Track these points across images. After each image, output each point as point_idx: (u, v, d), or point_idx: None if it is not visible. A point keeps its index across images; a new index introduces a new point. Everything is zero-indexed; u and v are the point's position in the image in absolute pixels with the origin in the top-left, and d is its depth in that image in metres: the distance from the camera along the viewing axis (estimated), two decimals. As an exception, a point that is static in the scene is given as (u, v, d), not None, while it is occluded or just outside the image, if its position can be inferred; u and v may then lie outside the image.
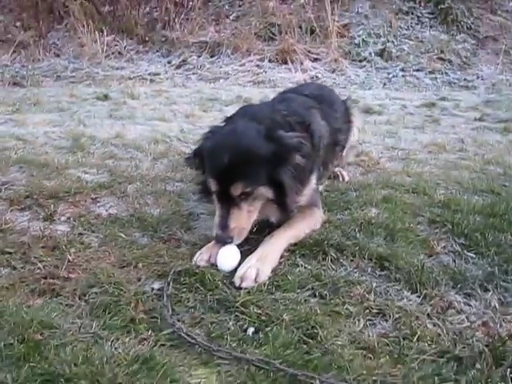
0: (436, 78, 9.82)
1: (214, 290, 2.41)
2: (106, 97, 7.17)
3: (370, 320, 2.22)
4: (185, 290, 2.43)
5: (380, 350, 2.01)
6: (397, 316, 2.23)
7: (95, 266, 2.62)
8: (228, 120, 3.11)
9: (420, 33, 11.38)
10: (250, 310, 2.23)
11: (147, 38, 11.49)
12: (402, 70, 10.05)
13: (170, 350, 2.01)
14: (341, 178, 4.07)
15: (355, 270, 2.63)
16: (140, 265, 2.64)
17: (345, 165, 4.23)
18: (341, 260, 2.72)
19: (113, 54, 10.79)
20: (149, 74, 9.49)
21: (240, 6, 12.41)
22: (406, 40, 11.16)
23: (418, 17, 11.81)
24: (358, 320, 2.21)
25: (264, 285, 2.46)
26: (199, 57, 10.55)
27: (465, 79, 9.84)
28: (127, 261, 2.68)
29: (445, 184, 3.91)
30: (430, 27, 11.61)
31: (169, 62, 10.50)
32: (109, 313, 2.22)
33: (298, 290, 2.43)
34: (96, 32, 10.81)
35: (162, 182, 3.87)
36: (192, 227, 3.16)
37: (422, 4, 11.90)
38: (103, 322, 2.15)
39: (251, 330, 2.14)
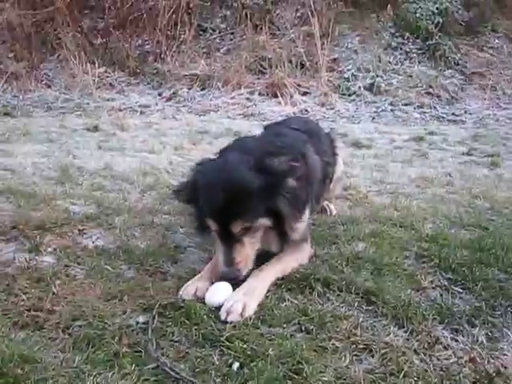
0: (424, 112, 9.93)
1: (200, 324, 2.39)
2: (95, 128, 7.18)
3: (356, 355, 2.21)
4: (170, 323, 2.41)
5: (366, 387, 1.99)
6: (383, 351, 2.22)
7: (80, 299, 2.59)
8: (221, 153, 3.10)
9: (409, 68, 11.52)
10: (236, 345, 2.21)
11: (138, 70, 11.57)
12: (391, 104, 10.16)
13: (154, 385, 1.99)
14: (328, 212, 4.06)
15: (342, 305, 2.62)
16: (125, 298, 2.61)
17: (332, 198, 4.23)
18: (327, 294, 2.71)
19: (104, 85, 10.83)
20: (139, 106, 9.52)
21: (231, 40, 12.55)
22: (395, 75, 11.29)
23: (407, 52, 11.98)
24: (345, 355, 2.19)
25: (250, 319, 2.44)
26: (190, 89, 10.61)
27: (453, 113, 9.96)
28: (113, 294, 2.66)
29: (432, 218, 3.92)
30: (419, 62, 11.76)
31: (159, 94, 10.55)
32: (92, 346, 2.20)
33: (284, 325, 2.42)
34: (88, 64, 10.87)
35: (150, 214, 3.86)
36: (179, 260, 3.15)
37: (411, 40, 12.07)
38: (86, 355, 2.12)
39: (236, 365, 2.11)
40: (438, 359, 2.21)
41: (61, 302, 2.57)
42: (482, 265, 3.03)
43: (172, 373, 2.03)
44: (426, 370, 2.11)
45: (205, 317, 2.43)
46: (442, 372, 2.11)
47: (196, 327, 2.36)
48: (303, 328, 2.40)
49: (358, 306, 2.61)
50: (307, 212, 3.09)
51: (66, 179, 4.64)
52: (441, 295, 2.77)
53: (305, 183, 2.93)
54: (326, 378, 2.01)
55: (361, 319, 2.46)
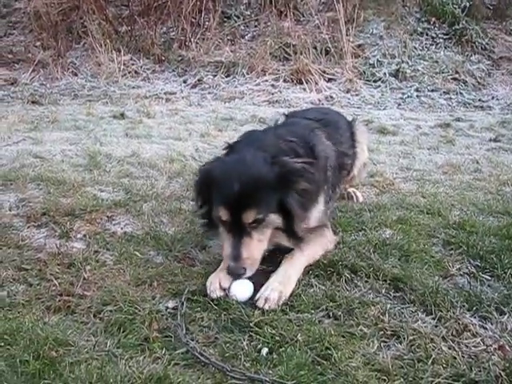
0: (451, 98, 9.79)
1: (228, 309, 2.42)
2: (122, 115, 7.23)
3: (384, 342, 2.22)
4: (199, 309, 2.45)
5: (394, 373, 2.00)
6: (411, 338, 2.23)
7: (110, 284, 2.64)
8: (230, 147, 3.11)
9: (434, 53, 11.36)
10: (264, 330, 2.24)
11: (163, 58, 11.59)
12: (417, 90, 10.04)
13: (184, 369, 2.03)
14: (355, 199, 4.06)
15: (369, 291, 2.63)
16: (155, 283, 2.66)
17: (358, 185, 4.23)
18: (355, 281, 2.72)
19: (129, 73, 10.88)
20: (164, 93, 9.54)
21: (256, 27, 12.50)
22: (421, 60, 11.15)
23: (433, 37, 11.81)
24: (373, 342, 2.21)
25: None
26: (215, 76, 10.61)
27: (479, 99, 9.82)
28: (142, 279, 2.70)
29: (459, 205, 3.89)
30: (445, 48, 11.59)
31: (184, 82, 10.57)
32: (123, 331, 2.24)
33: (312, 311, 2.44)
34: (113, 51, 10.94)
35: (177, 200, 3.90)
36: (207, 246, 3.18)
37: (437, 25, 11.90)
38: (117, 340, 2.17)
39: (265, 350, 2.14)
40: (467, 346, 2.21)
41: (91, 287, 2.63)
42: (510, 252, 3.00)
43: (201, 358, 2.07)
44: (455, 357, 2.11)
45: (233, 302, 2.46)
46: (470, 359, 2.12)
47: (225, 312, 2.40)
48: (331, 314, 2.42)
49: (385, 293, 2.62)
50: (321, 201, 3.08)
51: (94, 166, 4.70)
52: (468, 282, 2.76)
53: (316, 173, 2.90)
54: (354, 364, 2.03)
55: (388, 306, 2.47)
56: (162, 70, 11.34)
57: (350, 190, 4.14)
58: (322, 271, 2.78)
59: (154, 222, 3.49)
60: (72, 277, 2.73)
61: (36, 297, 2.51)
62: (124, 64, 10.97)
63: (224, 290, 2.57)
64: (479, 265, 2.92)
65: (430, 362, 2.06)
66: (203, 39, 11.96)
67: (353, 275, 2.75)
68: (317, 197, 3.00)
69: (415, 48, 11.51)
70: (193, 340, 2.20)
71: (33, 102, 8.66)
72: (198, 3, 12.30)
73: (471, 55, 11.42)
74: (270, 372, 1.99)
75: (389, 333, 2.27)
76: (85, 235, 3.29)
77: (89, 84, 9.91)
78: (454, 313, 2.42)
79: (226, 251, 2.66)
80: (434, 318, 2.39)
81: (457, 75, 10.76)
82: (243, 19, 12.47)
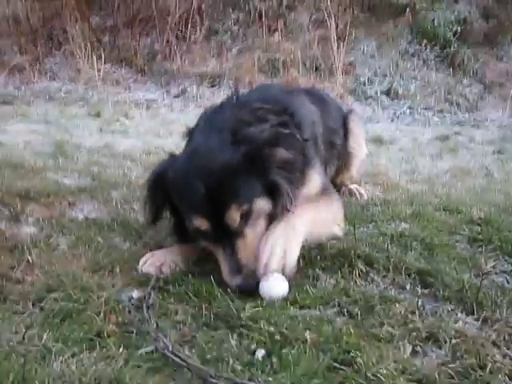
0: (445, 116, 9.44)
1: (212, 302, 1.85)
2: (97, 114, 6.66)
3: (418, 345, 1.66)
4: (173, 301, 1.87)
5: (442, 384, 1.44)
6: (454, 342, 1.66)
7: (60, 269, 2.05)
8: (190, 133, 2.55)
9: (426, 75, 11.08)
10: (260, 327, 1.66)
11: (146, 69, 11.15)
12: (410, 107, 9.69)
13: (147, 373, 1.44)
14: (358, 196, 3.54)
15: (391, 286, 2.08)
16: (117, 269, 2.09)
17: (360, 181, 3.71)
18: (371, 274, 2.16)
19: (110, 81, 10.38)
20: (145, 100, 9.03)
21: (243, 42, 12.13)
22: (413, 80, 10.86)
23: (424, 60, 11.56)
24: (404, 345, 1.64)
25: (276, 300, 1.89)
26: (199, 86, 10.16)
27: (474, 119, 9.48)
28: (101, 265, 2.14)
29: (478, 205, 3.36)
30: (437, 70, 11.34)
31: (167, 91, 10.10)
32: (69, 323, 1.65)
33: (321, 307, 1.88)
34: (94, 59, 10.43)
35: (153, 189, 3.33)
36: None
37: (429, 47, 11.64)
38: (59, 333, 1.58)
39: (261, 352, 1.57)
40: (526, 355, 1.66)
41: (35, 271, 2.04)
42: (555, 250, 2.48)
43: (176, 358, 1.49)
44: (515, 368, 1.56)
45: (218, 294, 1.89)
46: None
47: (207, 305, 1.82)
48: (345, 311, 1.86)
49: (411, 289, 2.07)
50: (317, 165, 2.53)
51: (60, 154, 4.12)
52: (510, 282, 2.22)
53: (295, 135, 2.31)
54: (385, 371, 1.46)
55: (418, 303, 1.91)
56: (145, 80, 10.90)
57: (352, 186, 3.63)
58: (329, 262, 2.21)
59: (124, 209, 2.92)
60: (13, 260, 2.13)
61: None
62: (105, 72, 10.49)
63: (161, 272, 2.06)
64: (518, 263, 2.39)
65: (488, 371, 1.50)
66: (188, 52, 11.56)
67: (368, 268, 2.19)
68: (308, 166, 2.41)
69: (407, 68, 11.23)
70: (165, 337, 1.62)
71: (4, 103, 8.05)
72: (185, 17, 11.96)
73: (463, 78, 11.16)
74: (270, 379, 1.42)
75: (423, 335, 1.71)
76: (38, 219, 2.70)
77: (65, 87, 9.38)
78: (500, 314, 1.87)
79: (223, 270, 2.05)
80: (477, 320, 1.84)
81: (449, 96, 10.48)
82: (230, 34, 12.11)
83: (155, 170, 2.30)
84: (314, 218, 2.29)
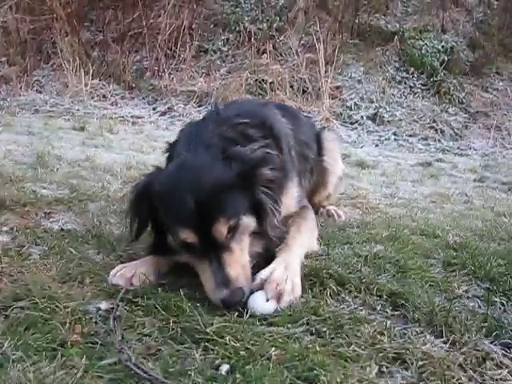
0: (429, 144, 9.55)
1: (180, 315, 1.83)
2: (82, 128, 6.64)
3: (385, 366, 1.65)
4: (141, 313, 1.85)
5: (405, 405, 1.43)
6: (421, 363, 1.66)
7: (29, 278, 2.03)
8: (171, 147, 2.59)
9: (412, 102, 11.23)
10: (225, 342, 1.65)
11: (134, 85, 11.16)
12: (395, 134, 9.79)
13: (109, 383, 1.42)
14: (336, 217, 3.54)
15: (361, 307, 2.07)
16: (87, 280, 2.07)
17: (339, 203, 3.72)
18: (342, 294, 2.16)
19: (97, 96, 10.39)
20: (131, 117, 9.03)
21: (232, 62, 12.22)
22: (399, 107, 10.99)
23: (411, 87, 11.72)
24: (370, 365, 1.63)
25: (243, 316, 1.88)
26: (186, 105, 10.19)
27: (458, 148, 9.59)
28: (71, 275, 2.11)
29: (455, 230, 3.39)
30: (423, 98, 11.50)
31: (154, 109, 10.12)
32: (33, 332, 1.63)
33: (289, 325, 1.86)
34: (83, 74, 10.43)
35: (131, 203, 3.31)
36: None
37: (415, 75, 11.81)
38: (21, 341, 1.55)
39: (225, 367, 1.55)
40: (492, 379, 1.65)
41: (3, 279, 2.01)
42: (526, 276, 2.49)
43: (138, 370, 1.47)
44: (481, 391, 1.56)
45: (187, 307, 1.87)
46: (500, 395, 1.56)
47: (174, 319, 1.80)
48: (313, 330, 1.84)
49: (381, 310, 2.06)
50: (294, 178, 2.62)
51: (40, 165, 4.09)
52: (479, 306, 2.22)
53: (278, 155, 2.40)
54: (349, 391, 1.45)
55: (387, 324, 1.91)
56: (132, 96, 10.91)
57: (330, 207, 3.64)
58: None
59: (100, 222, 2.90)
60: (-18, 269, 2.10)
61: None
62: (92, 87, 10.50)
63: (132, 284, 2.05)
64: (490, 288, 2.39)
65: (452, 394, 1.50)
66: (177, 70, 11.61)
67: (340, 288, 2.19)
68: (286, 179, 2.50)
69: (393, 95, 11.38)
70: (129, 349, 1.60)
71: (-12, 114, 8.02)
72: (175, 35, 12.04)
73: (448, 107, 11.33)
74: (232, 394, 1.40)
75: (390, 356, 1.70)
76: (12, 228, 2.67)
77: (52, 100, 9.36)
78: (469, 337, 1.87)
79: (207, 284, 2.02)
80: (445, 342, 1.84)
81: (434, 124, 10.63)
82: (220, 54, 12.18)
83: (140, 183, 2.30)
84: (307, 239, 2.42)
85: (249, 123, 2.46)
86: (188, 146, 2.36)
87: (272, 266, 2.11)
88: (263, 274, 2.06)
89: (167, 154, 2.61)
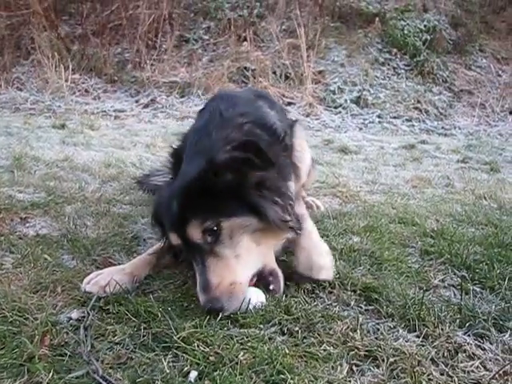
0: (413, 125, 9.53)
1: (151, 322, 1.82)
2: (62, 126, 6.59)
3: (356, 364, 1.65)
4: (112, 321, 1.84)
5: (373, 405, 1.44)
6: (392, 360, 1.66)
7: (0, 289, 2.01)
8: (176, 153, 2.57)
9: (396, 83, 11.19)
10: (195, 348, 1.64)
11: (116, 78, 11.06)
12: (379, 116, 9.75)
13: (75, 399, 1.41)
14: (315, 208, 3.53)
15: (335, 304, 2.07)
16: (58, 289, 2.05)
17: (318, 192, 3.70)
18: (316, 291, 2.16)
19: (79, 91, 10.29)
20: (114, 111, 8.95)
21: (213, 51, 12.13)
22: (382, 89, 10.94)
23: (394, 68, 11.67)
24: (341, 364, 1.63)
25: (214, 317, 1.87)
26: (168, 96, 10.12)
27: (442, 127, 9.58)
28: (43, 284, 2.09)
29: (435, 216, 3.40)
30: (406, 78, 11.45)
31: (136, 101, 10.04)
32: (0, 348, 1.61)
33: (261, 326, 1.86)
34: (63, 69, 10.32)
35: (108, 203, 3.30)
36: (136, 251, 2.57)
37: (398, 56, 11.77)
38: (-16, 359, 1.54)
39: (194, 374, 1.55)
40: (464, 371, 1.66)
41: (-29, 292, 1.99)
42: (501, 262, 2.50)
43: (104, 382, 1.46)
44: (451, 385, 1.56)
45: (159, 313, 1.86)
46: (470, 388, 1.57)
47: (145, 325, 1.79)
48: (285, 330, 1.84)
49: (355, 305, 2.06)
50: (292, 185, 2.51)
51: (16, 168, 4.04)
52: (455, 295, 2.23)
53: (269, 152, 2.21)
54: (317, 393, 1.45)
55: (360, 320, 1.90)
56: (114, 89, 10.82)
57: (309, 199, 3.61)
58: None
59: (76, 225, 2.87)
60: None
61: None
62: (73, 82, 10.39)
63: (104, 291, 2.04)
64: (466, 276, 2.40)
65: (421, 390, 1.50)
66: (159, 61, 11.52)
67: (314, 285, 2.18)
68: (285, 176, 2.39)
69: (377, 77, 11.32)
70: (98, 360, 1.59)
71: (-34, 113, 7.93)
72: (155, 25, 11.94)
73: (432, 87, 11.31)
74: (199, 403, 1.40)
75: (362, 353, 1.70)
76: (-15, 236, 2.64)
77: (32, 98, 9.25)
78: (442, 330, 1.87)
79: (196, 286, 2.00)
80: (418, 336, 1.84)
81: (418, 105, 10.60)
82: (201, 42, 12.10)
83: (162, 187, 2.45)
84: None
85: (253, 122, 2.42)
86: (190, 157, 2.33)
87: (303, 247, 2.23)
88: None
89: (172, 160, 2.57)
